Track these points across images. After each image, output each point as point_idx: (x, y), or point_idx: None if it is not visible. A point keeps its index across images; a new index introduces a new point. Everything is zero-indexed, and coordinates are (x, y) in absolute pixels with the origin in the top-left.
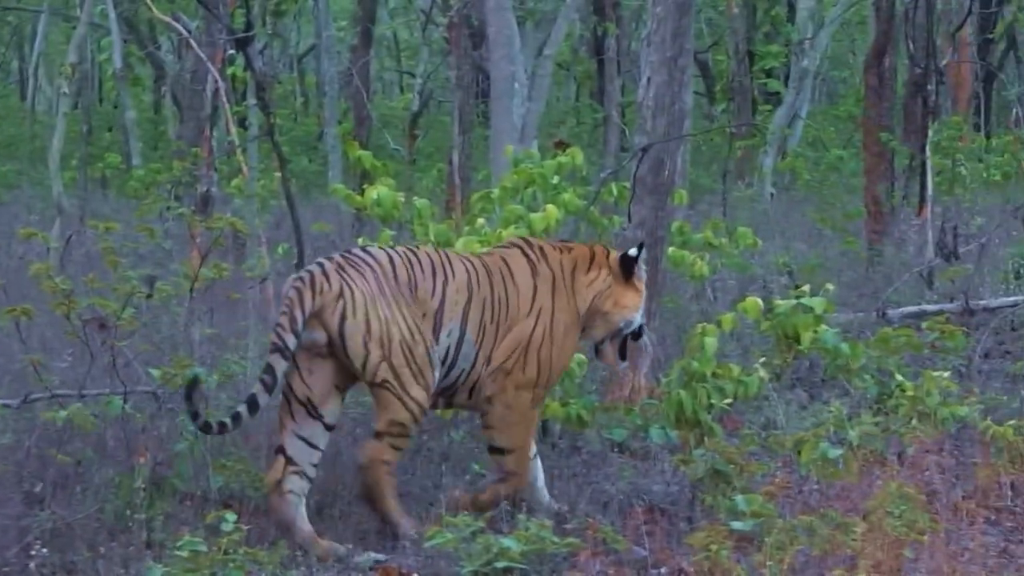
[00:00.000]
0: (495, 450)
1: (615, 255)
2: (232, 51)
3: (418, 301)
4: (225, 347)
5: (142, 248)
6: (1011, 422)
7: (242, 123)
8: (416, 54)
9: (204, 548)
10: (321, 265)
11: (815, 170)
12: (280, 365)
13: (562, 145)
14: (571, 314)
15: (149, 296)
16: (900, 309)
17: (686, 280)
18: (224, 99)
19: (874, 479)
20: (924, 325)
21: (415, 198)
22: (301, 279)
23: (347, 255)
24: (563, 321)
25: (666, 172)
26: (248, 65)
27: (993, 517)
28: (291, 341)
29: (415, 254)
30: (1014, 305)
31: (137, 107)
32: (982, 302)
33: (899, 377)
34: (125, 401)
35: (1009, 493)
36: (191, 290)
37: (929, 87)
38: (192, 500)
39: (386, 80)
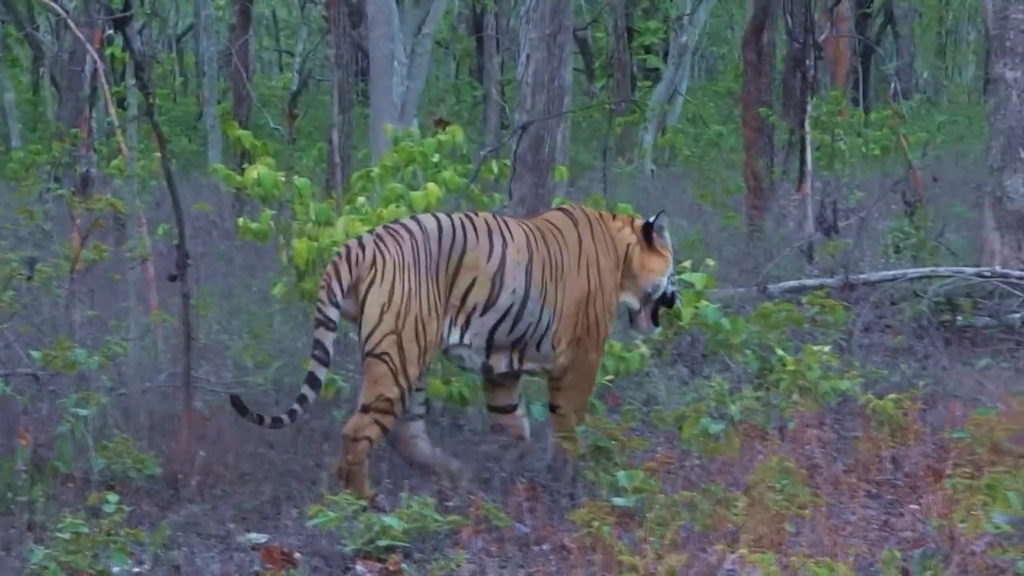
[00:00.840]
0: (558, 410)
1: (638, 221)
2: (110, 31)
3: (465, 267)
4: (106, 328)
5: (22, 230)
6: (891, 396)
7: (121, 103)
8: (295, 33)
9: (86, 530)
10: (361, 238)
11: (695, 146)
12: (327, 337)
13: (442, 123)
14: (612, 258)
15: (29, 278)
16: (780, 284)
17: None
18: (103, 80)
19: (755, 454)
20: (804, 299)
21: (295, 177)
22: (339, 253)
23: (392, 224)
24: (608, 266)
25: (546, 149)
26: (127, 45)
27: (874, 491)
28: (333, 313)
29: (472, 220)
30: (894, 279)
31: (16, 88)
32: (862, 276)
33: (780, 352)
34: (6, 383)
35: (890, 466)
36: (71, 272)
37: (808, 62)
38: (74, 482)
39: (265, 59)
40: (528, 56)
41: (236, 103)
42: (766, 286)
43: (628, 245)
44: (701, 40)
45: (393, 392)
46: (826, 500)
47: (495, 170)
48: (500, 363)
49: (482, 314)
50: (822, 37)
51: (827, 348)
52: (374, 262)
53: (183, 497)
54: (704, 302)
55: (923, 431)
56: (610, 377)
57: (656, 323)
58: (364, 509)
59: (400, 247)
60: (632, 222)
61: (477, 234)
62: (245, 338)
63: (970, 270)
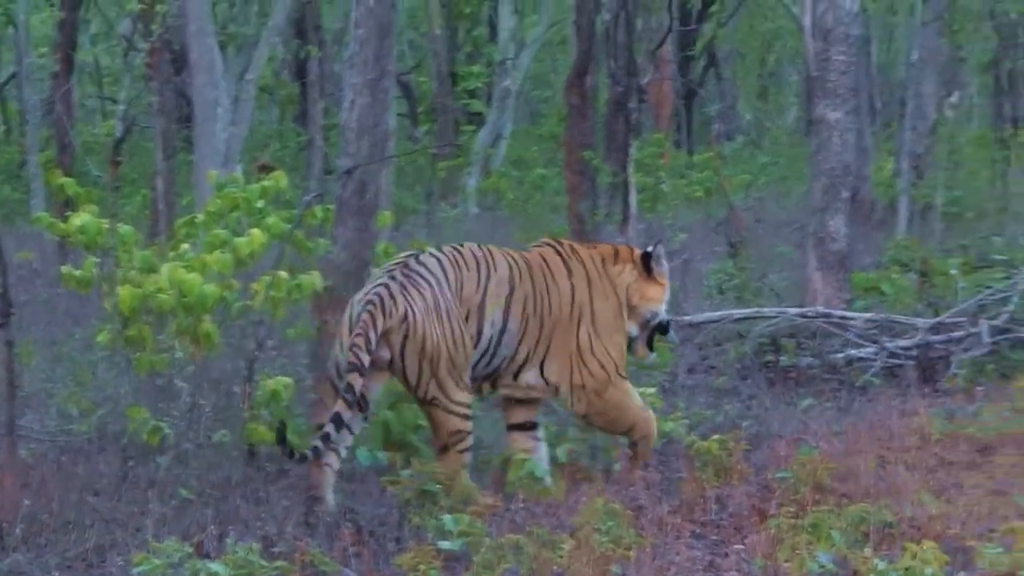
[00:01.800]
0: (622, 434)
1: (637, 252)
2: None
3: (463, 301)
4: None
5: None
6: (716, 436)
7: None
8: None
9: None
10: (387, 287)
11: (519, 189)
12: (358, 383)
13: (266, 169)
14: (613, 304)
15: None
16: None
17: None
18: None
19: (581, 496)
20: None
21: (119, 225)
22: (372, 303)
23: (408, 272)
24: (605, 314)
25: (370, 194)
26: None
27: (699, 531)
28: (367, 360)
29: (460, 254)
30: (718, 320)
31: None
32: (686, 317)
33: None
34: None
35: (715, 507)
36: None
37: (630, 105)
38: None
39: (88, 107)
40: (352, 101)
41: (59, 151)
42: None
43: (628, 285)
44: (524, 84)
45: (455, 424)
46: (651, 541)
47: (319, 215)
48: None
49: (475, 345)
50: (645, 80)
51: (652, 389)
52: (405, 316)
53: (7, 546)
54: None
55: (747, 471)
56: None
57: (651, 349)
58: (190, 556)
59: (423, 295)
60: (632, 256)
61: (467, 267)
62: (69, 386)
63: (793, 310)
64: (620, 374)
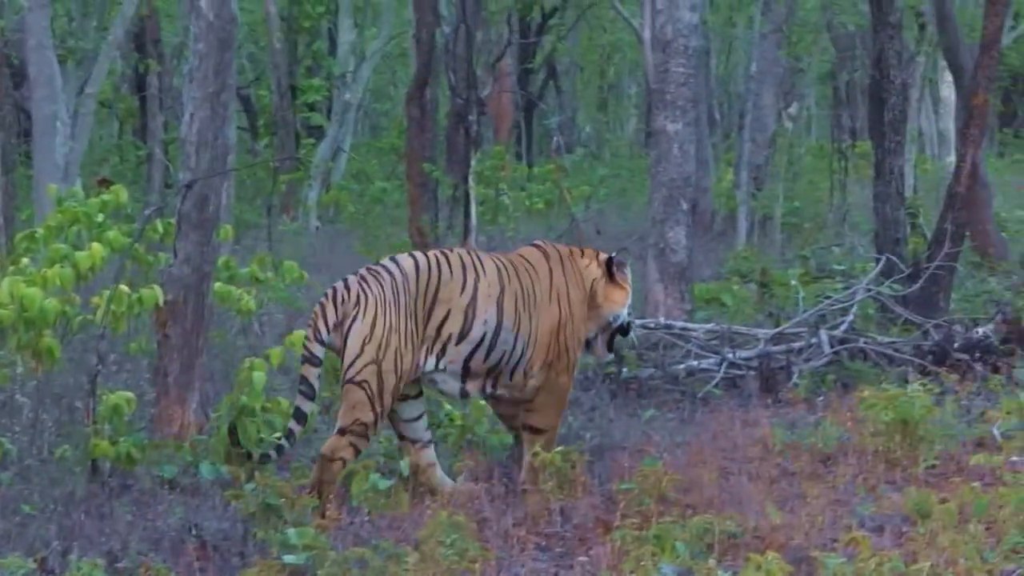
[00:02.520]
0: (533, 430)
1: (602, 255)
2: None
3: (440, 301)
4: None
5: None
6: (559, 448)
7: None
8: None
9: None
10: (346, 280)
11: (359, 202)
12: (312, 373)
13: (105, 183)
14: (581, 290)
15: None
16: None
17: (233, 315)
18: None
19: (425, 509)
20: None
21: None
22: (326, 294)
23: (372, 266)
24: (577, 299)
25: (211, 208)
26: None
27: (543, 543)
28: (318, 350)
29: (446, 257)
30: None
31: None
32: None
33: (448, 407)
34: None
35: (559, 519)
36: None
37: (471, 118)
38: None
39: None
40: (192, 115)
41: None
42: None
43: (594, 280)
44: (364, 97)
45: (369, 417)
46: (496, 554)
47: (160, 229)
48: (475, 389)
49: (457, 343)
50: (485, 93)
51: None
52: (358, 300)
53: None
54: None
55: (591, 483)
56: (278, 435)
57: (611, 350)
58: (33, 572)
59: (381, 286)
60: (597, 257)
61: (451, 270)
62: None
63: (635, 322)
64: (574, 364)
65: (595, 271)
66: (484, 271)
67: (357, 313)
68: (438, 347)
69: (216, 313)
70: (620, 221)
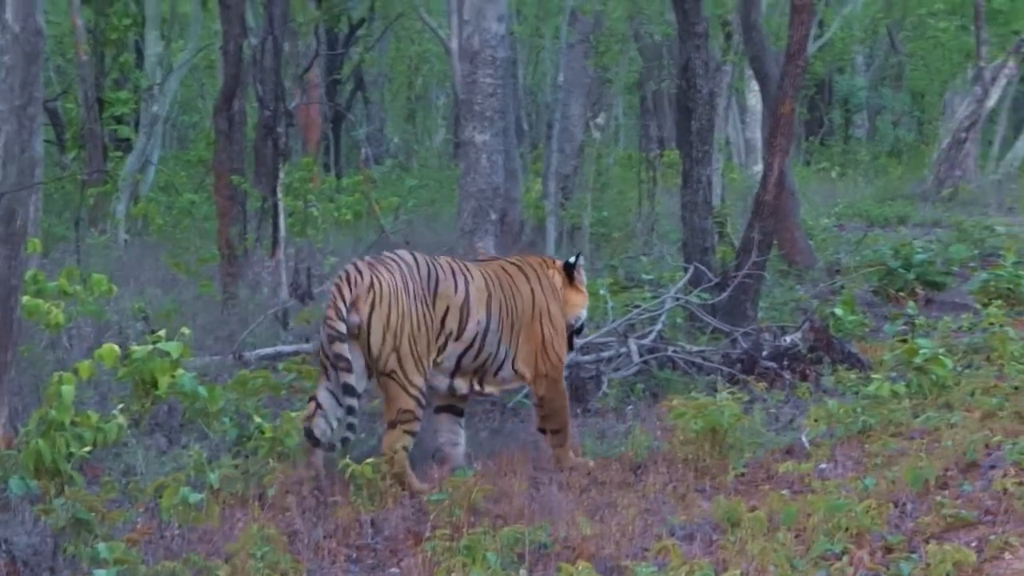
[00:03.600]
0: (551, 432)
1: (559, 263)
2: None
3: (440, 296)
4: None
5: None
6: (369, 460)
7: None
8: None
9: None
10: (355, 264)
11: (168, 215)
12: (343, 348)
13: None
14: (558, 305)
15: None
16: (257, 351)
17: (42, 329)
18: None
19: (236, 522)
20: (281, 366)
21: None
22: (339, 277)
23: (378, 256)
24: (557, 313)
25: (18, 221)
26: None
27: (354, 555)
28: (342, 327)
29: (436, 260)
30: None
31: None
32: None
33: (258, 419)
34: None
35: (370, 531)
36: None
37: (279, 129)
38: None
39: None
40: None
41: None
42: (242, 354)
43: (561, 288)
44: (172, 109)
45: (409, 403)
46: (307, 566)
47: None
48: (463, 386)
49: (456, 339)
50: (293, 104)
51: (304, 414)
52: (371, 285)
53: None
54: (181, 371)
55: (402, 494)
56: (88, 448)
57: (571, 349)
58: None
59: (392, 274)
60: (555, 265)
61: (443, 270)
62: None
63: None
64: (561, 368)
65: (558, 283)
66: (472, 276)
67: (374, 300)
68: (441, 340)
69: (24, 327)
70: (429, 232)
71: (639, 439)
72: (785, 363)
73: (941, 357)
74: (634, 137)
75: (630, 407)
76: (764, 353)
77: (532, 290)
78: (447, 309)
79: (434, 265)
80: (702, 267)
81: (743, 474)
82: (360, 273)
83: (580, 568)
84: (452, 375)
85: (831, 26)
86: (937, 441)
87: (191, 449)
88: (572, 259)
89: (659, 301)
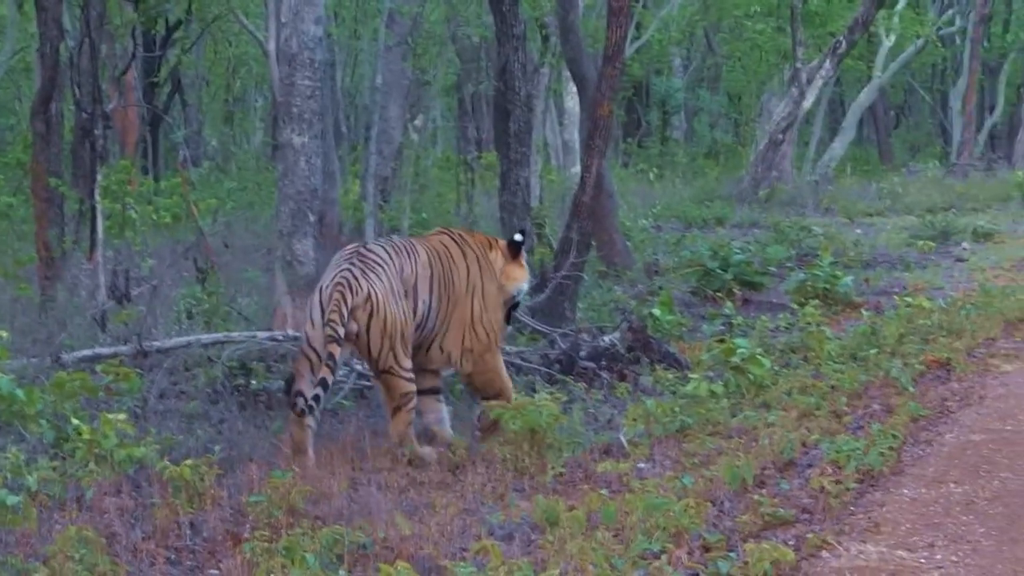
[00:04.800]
0: (489, 397)
1: (502, 241)
2: None
3: (404, 282)
4: None
5: None
6: (188, 461)
7: None
8: None
9: None
10: (351, 271)
11: None
12: (337, 351)
13: None
14: (494, 284)
15: None
16: (75, 353)
17: None
18: None
19: (54, 524)
20: (99, 368)
21: None
22: (340, 285)
23: (364, 259)
24: (491, 292)
25: None
26: None
27: (173, 557)
28: (342, 332)
29: (393, 244)
30: (187, 345)
31: None
32: (156, 343)
33: (75, 421)
34: None
35: (188, 532)
36: None
37: (97, 132)
38: None
39: None
40: None
41: None
42: (60, 356)
43: (500, 270)
44: None
45: (407, 387)
46: (126, 568)
47: None
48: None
49: (413, 319)
50: (110, 107)
51: (123, 416)
52: (369, 296)
53: None
54: None
55: (220, 495)
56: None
57: (508, 323)
58: None
59: (381, 279)
60: (498, 244)
61: (400, 254)
62: None
63: (263, 334)
64: (498, 344)
65: (500, 262)
66: (418, 254)
67: (372, 310)
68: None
69: None
70: (248, 234)
71: (458, 439)
72: (604, 363)
73: (758, 356)
74: (452, 139)
75: (449, 407)
76: (583, 353)
77: (468, 267)
78: (407, 292)
79: (398, 253)
80: None
81: (562, 474)
82: (358, 282)
83: (399, 568)
84: None
85: (648, 28)
86: (755, 440)
87: (8, 451)
88: (518, 236)
89: None
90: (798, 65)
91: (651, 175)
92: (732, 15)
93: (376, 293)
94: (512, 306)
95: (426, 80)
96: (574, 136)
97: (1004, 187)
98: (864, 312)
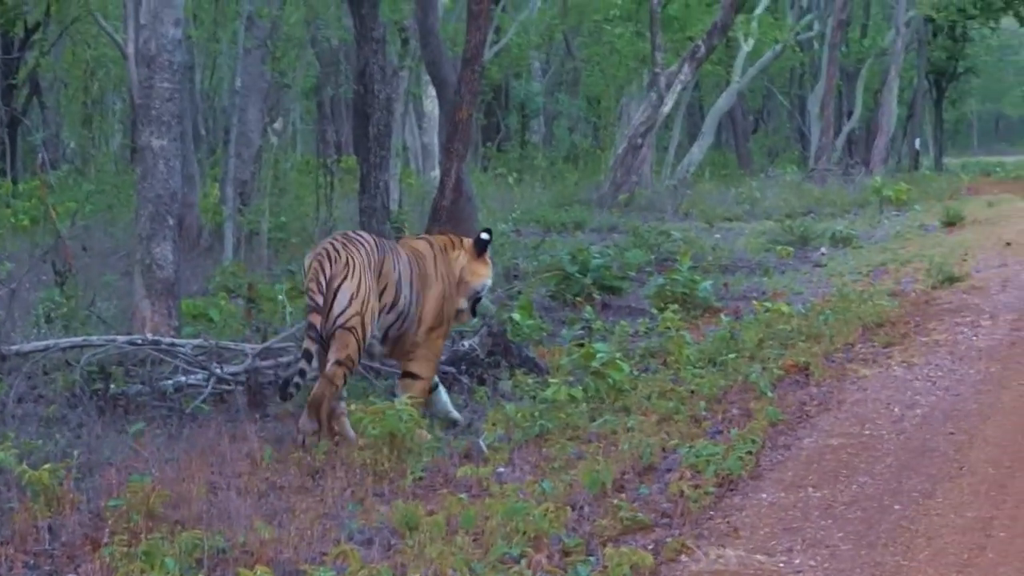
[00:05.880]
0: (414, 376)
1: (468, 241)
2: None
3: (383, 275)
4: None
5: None
6: (46, 466)
7: None
8: None
9: None
10: (332, 243)
11: None
12: (318, 320)
13: None
14: (452, 277)
15: None
16: None
17: None
18: None
19: None
20: None
21: None
22: (320, 255)
23: (348, 235)
24: (450, 283)
25: None
26: None
27: (32, 561)
28: (320, 300)
29: (378, 238)
30: (45, 349)
31: None
32: (14, 347)
33: None
34: None
35: (47, 537)
36: None
37: None
38: None
39: None
40: None
41: None
42: None
43: (463, 267)
44: None
45: (356, 355)
46: None
47: None
48: (386, 351)
49: (388, 312)
50: None
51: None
52: (347, 263)
53: None
54: None
55: (79, 500)
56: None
57: (474, 315)
58: None
59: (361, 252)
60: (463, 243)
61: (386, 250)
62: None
63: (122, 338)
64: (445, 330)
65: (463, 260)
66: (402, 254)
67: (347, 273)
68: (380, 311)
69: None
70: (107, 238)
71: (317, 444)
72: (463, 368)
73: (618, 361)
74: (312, 142)
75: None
76: (443, 358)
77: (435, 258)
78: (386, 286)
79: (379, 245)
80: None
81: (421, 478)
82: (338, 252)
83: (259, 573)
84: (381, 342)
85: (508, 32)
86: (614, 445)
87: None
88: (484, 235)
89: None
90: (657, 70)
91: (510, 179)
92: (591, 19)
93: (354, 261)
94: (476, 300)
95: (285, 83)
96: (433, 140)
97: (862, 192)
98: (723, 317)
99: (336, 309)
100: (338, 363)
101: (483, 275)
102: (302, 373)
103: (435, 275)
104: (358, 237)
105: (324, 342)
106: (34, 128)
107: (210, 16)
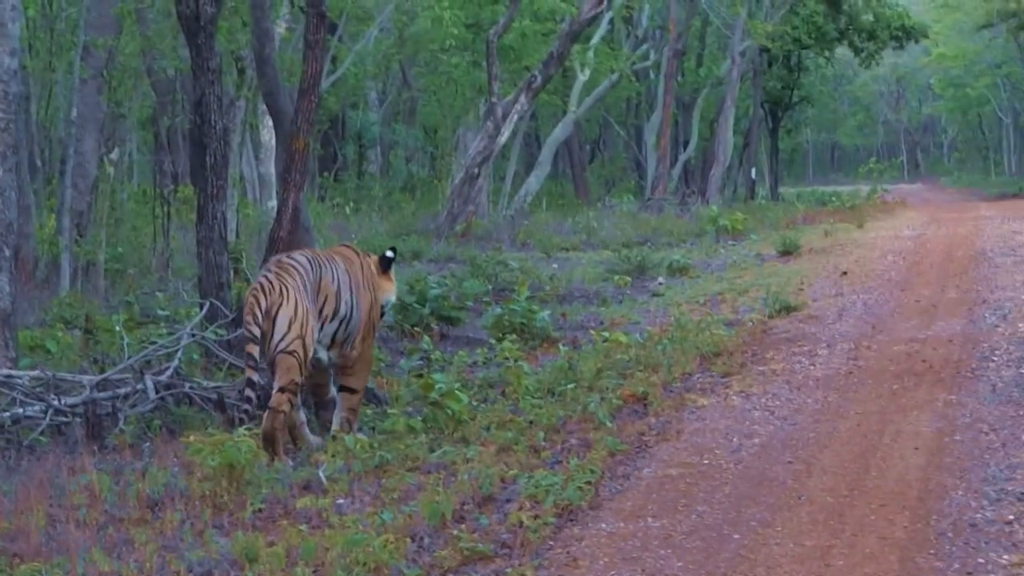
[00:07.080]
0: (350, 390)
1: (374, 257)
2: None
3: (323, 289)
4: None
5: None
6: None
7: None
8: None
9: None
10: (267, 276)
11: None
12: (255, 350)
13: None
14: (375, 285)
15: None
16: None
17: None
18: None
19: None
20: None
21: None
22: (255, 289)
23: (281, 263)
24: (375, 290)
25: None
26: None
27: None
28: (257, 331)
29: (317, 256)
30: None
31: None
32: None
33: None
34: None
35: None
36: None
37: None
38: None
39: None
40: None
41: None
42: None
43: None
44: None
45: (299, 378)
46: None
47: None
48: (332, 357)
49: (331, 321)
50: None
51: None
52: (282, 292)
53: None
54: None
55: None
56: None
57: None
58: None
59: (295, 278)
60: (368, 257)
61: (323, 265)
62: None
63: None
64: (372, 339)
65: (375, 272)
66: (339, 264)
67: (283, 301)
68: (322, 323)
69: None
70: None
71: (156, 475)
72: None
73: (457, 392)
74: (149, 172)
75: (147, 444)
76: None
77: (362, 268)
78: (326, 298)
79: (316, 262)
80: (218, 303)
81: (261, 510)
82: (271, 284)
83: None
84: (328, 348)
85: (344, 62)
86: (454, 475)
87: None
88: (389, 253)
89: (175, 337)
90: (494, 99)
91: (347, 209)
92: (428, 49)
93: (288, 289)
94: (382, 313)
95: (121, 113)
96: (270, 170)
97: (698, 222)
98: (561, 347)
99: (276, 336)
100: (281, 390)
101: (388, 291)
102: (248, 400)
103: (363, 282)
104: (291, 262)
105: (267, 368)
106: None
107: (46, 46)
